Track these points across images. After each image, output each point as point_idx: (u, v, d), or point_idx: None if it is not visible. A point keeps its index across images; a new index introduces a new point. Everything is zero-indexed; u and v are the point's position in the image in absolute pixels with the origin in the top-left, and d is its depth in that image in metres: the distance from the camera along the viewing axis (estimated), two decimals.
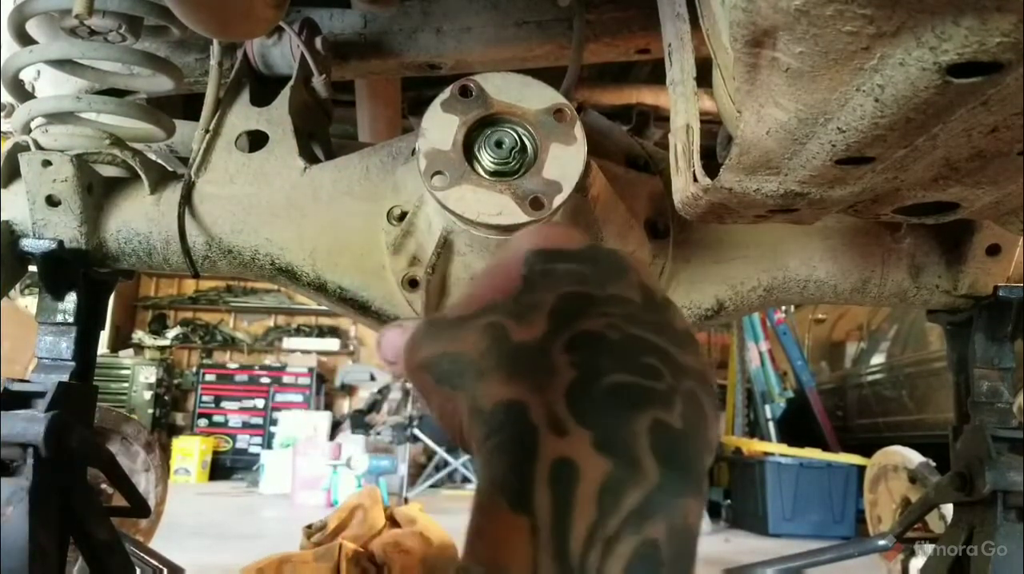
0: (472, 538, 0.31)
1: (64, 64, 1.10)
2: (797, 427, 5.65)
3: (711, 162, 0.75)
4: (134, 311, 9.87)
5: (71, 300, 1.09)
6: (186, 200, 1.10)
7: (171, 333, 9.75)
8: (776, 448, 5.09)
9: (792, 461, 4.84)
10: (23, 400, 1.01)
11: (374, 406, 8.72)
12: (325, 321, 9.94)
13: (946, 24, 0.44)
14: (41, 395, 1.01)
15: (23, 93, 1.14)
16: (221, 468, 8.58)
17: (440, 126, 0.90)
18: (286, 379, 9.25)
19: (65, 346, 1.08)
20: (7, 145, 1.10)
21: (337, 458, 5.89)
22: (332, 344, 9.79)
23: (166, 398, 9.12)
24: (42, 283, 1.08)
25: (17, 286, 1.14)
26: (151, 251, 1.12)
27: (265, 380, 9.25)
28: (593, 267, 0.36)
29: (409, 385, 8.00)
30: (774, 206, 0.74)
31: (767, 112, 0.59)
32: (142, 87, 1.20)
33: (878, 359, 5.29)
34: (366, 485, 4.77)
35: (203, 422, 9.13)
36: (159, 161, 1.25)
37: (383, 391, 8.86)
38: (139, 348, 9.51)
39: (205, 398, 9.22)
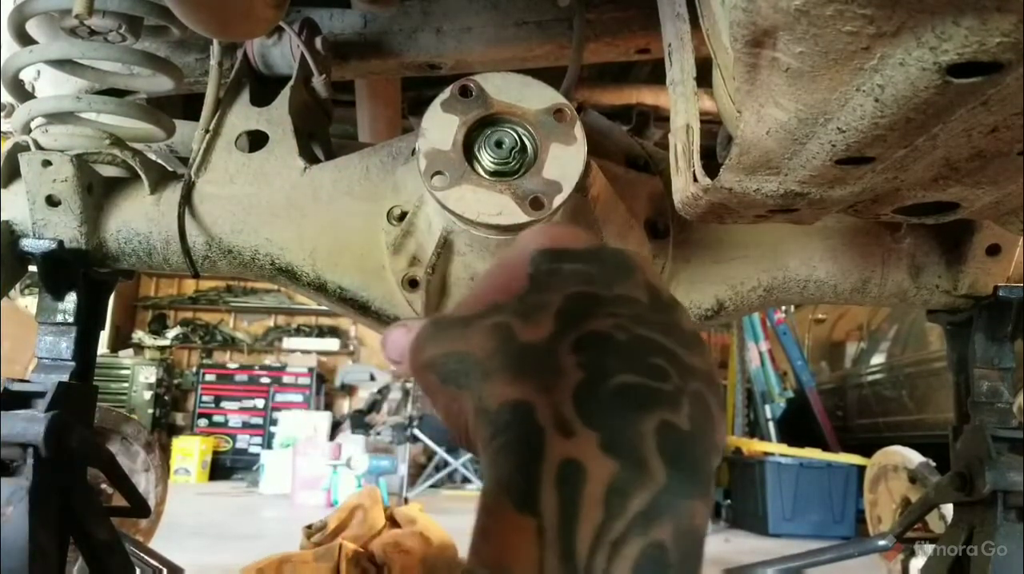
0: (478, 539, 0.31)
1: (64, 64, 1.10)
2: (797, 427, 5.65)
3: (711, 162, 0.75)
4: (134, 311, 9.87)
5: (71, 300, 1.09)
6: (186, 200, 1.10)
7: (171, 333, 9.75)
8: (776, 448, 5.09)
9: (792, 461, 4.84)
10: (23, 400, 1.01)
11: (374, 406, 8.72)
12: (325, 321, 9.94)
13: (946, 24, 0.44)
14: (41, 395, 1.01)
15: (23, 93, 1.14)
16: (221, 468, 8.58)
17: (440, 126, 0.90)
18: (286, 379, 9.25)
19: (65, 346, 1.08)
20: (7, 145, 1.10)
21: (337, 458, 5.89)
22: (332, 344, 9.79)
23: (166, 398, 9.12)
24: (42, 283, 1.08)
25: (17, 286, 1.14)
26: (151, 251, 1.12)
27: (265, 380, 9.25)
28: (600, 267, 0.36)
29: (409, 385, 8.01)
30: (774, 206, 0.74)
31: (767, 112, 0.59)
32: (142, 87, 1.20)
33: (878, 359, 5.29)
34: (366, 485, 4.77)
35: (203, 422, 9.13)
36: (159, 161, 1.25)
37: (383, 391, 8.86)
38: (139, 348, 9.51)
39: (205, 398, 9.21)
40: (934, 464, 2.21)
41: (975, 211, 0.75)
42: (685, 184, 0.77)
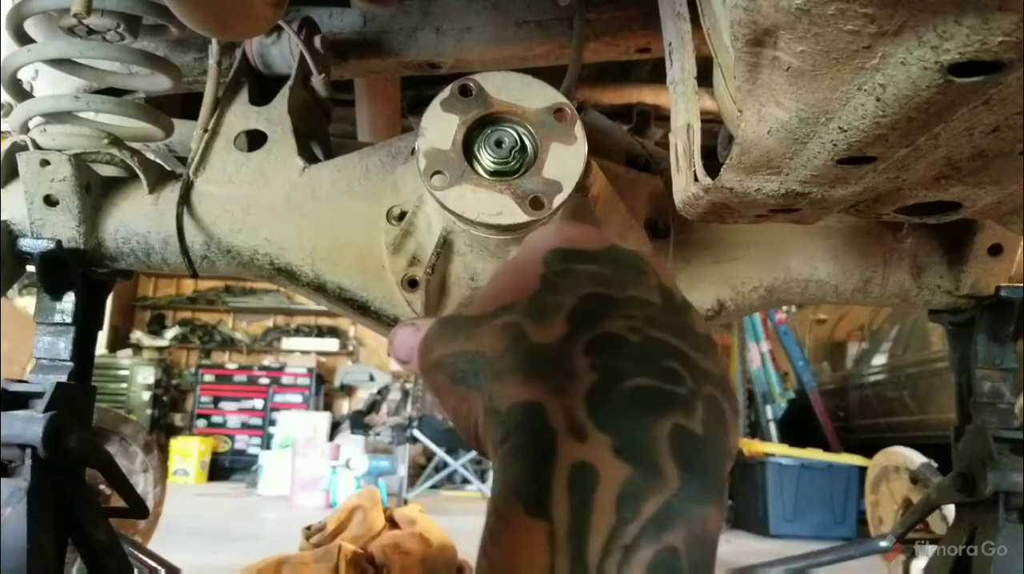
0: (487, 542, 0.30)
1: (62, 63, 1.10)
2: (798, 427, 5.65)
3: (712, 162, 0.74)
4: (132, 311, 9.87)
5: (69, 300, 1.09)
6: (184, 200, 1.10)
7: (169, 333, 9.75)
8: (777, 449, 5.09)
9: (793, 462, 4.84)
10: (21, 401, 1.01)
11: (373, 407, 8.72)
12: (324, 321, 9.94)
13: (948, 23, 0.44)
14: (39, 396, 1.01)
15: (21, 92, 1.14)
16: (220, 469, 8.58)
17: (440, 125, 0.89)
18: (285, 380, 9.25)
19: (63, 346, 1.08)
20: (5, 145, 1.10)
21: (336, 459, 5.89)
22: (331, 344, 9.79)
23: (164, 399, 9.12)
24: (40, 283, 1.08)
25: (15, 286, 1.14)
26: (149, 251, 1.12)
27: (264, 380, 9.25)
28: (613, 268, 0.35)
29: (409, 386, 8.01)
30: (775, 206, 0.74)
31: (768, 111, 0.59)
32: (140, 86, 1.20)
33: (880, 359, 5.29)
34: (365, 486, 4.77)
35: (202, 423, 9.13)
36: (157, 160, 1.25)
37: (382, 392, 8.86)
38: (137, 348, 9.51)
39: (204, 399, 9.21)
40: (936, 465, 2.21)
41: (977, 211, 0.75)
42: (686, 184, 0.77)
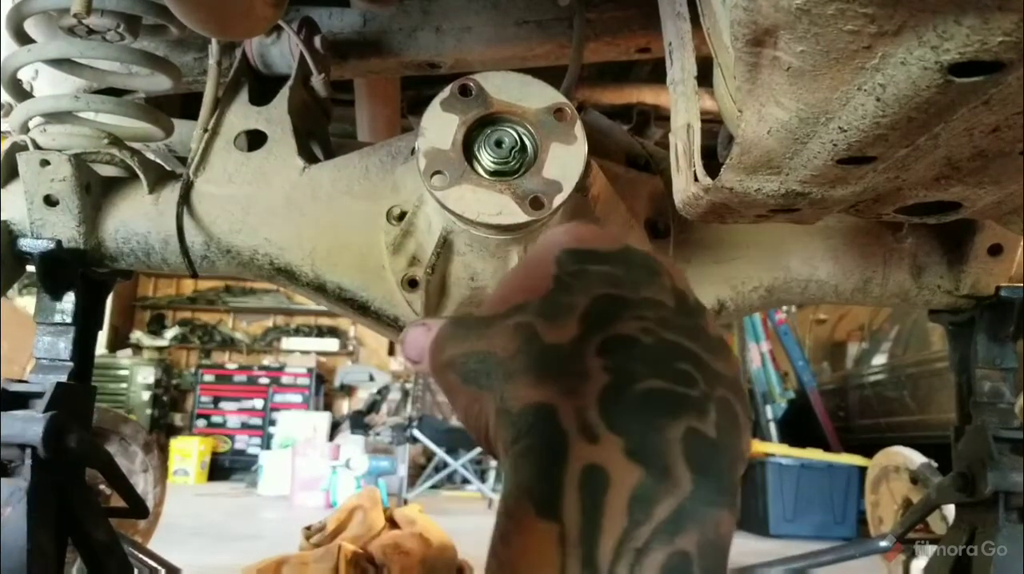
0: (497, 543, 0.30)
1: (62, 63, 1.10)
2: (798, 427, 5.65)
3: (712, 162, 0.74)
4: (132, 311, 9.87)
5: (69, 300, 1.08)
6: (184, 200, 1.10)
7: (169, 333, 9.75)
8: (777, 449, 5.09)
9: (793, 462, 4.84)
10: (21, 401, 1.01)
11: (373, 407, 8.72)
12: (324, 321, 9.94)
13: (948, 23, 0.44)
14: (39, 396, 1.01)
15: (21, 92, 1.14)
16: (220, 469, 8.57)
17: (440, 125, 0.89)
18: (285, 379, 9.25)
19: (63, 346, 1.08)
20: (5, 145, 1.10)
21: (336, 459, 5.89)
22: (331, 344, 9.79)
23: (164, 398, 9.12)
24: (40, 283, 1.08)
25: (15, 286, 1.13)
26: (149, 251, 1.12)
27: (264, 380, 9.25)
28: (626, 269, 0.35)
29: (409, 386, 8.01)
30: (775, 206, 0.74)
31: (768, 111, 0.59)
32: (140, 86, 1.20)
33: (880, 359, 5.28)
34: (365, 486, 4.77)
35: (201, 423, 9.12)
36: (157, 160, 1.25)
37: (382, 392, 8.86)
38: (137, 348, 9.51)
39: (203, 398, 9.21)
40: (936, 465, 2.21)
41: (977, 211, 0.75)
42: (686, 184, 0.77)
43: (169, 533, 2.28)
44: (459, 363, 0.36)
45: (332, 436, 7.68)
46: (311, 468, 6.03)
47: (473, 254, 0.99)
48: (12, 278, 1.09)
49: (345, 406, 9.54)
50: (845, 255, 1.14)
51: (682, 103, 0.78)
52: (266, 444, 8.37)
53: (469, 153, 0.90)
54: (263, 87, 1.21)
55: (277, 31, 1.20)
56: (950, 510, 1.33)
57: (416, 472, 7.05)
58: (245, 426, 9.09)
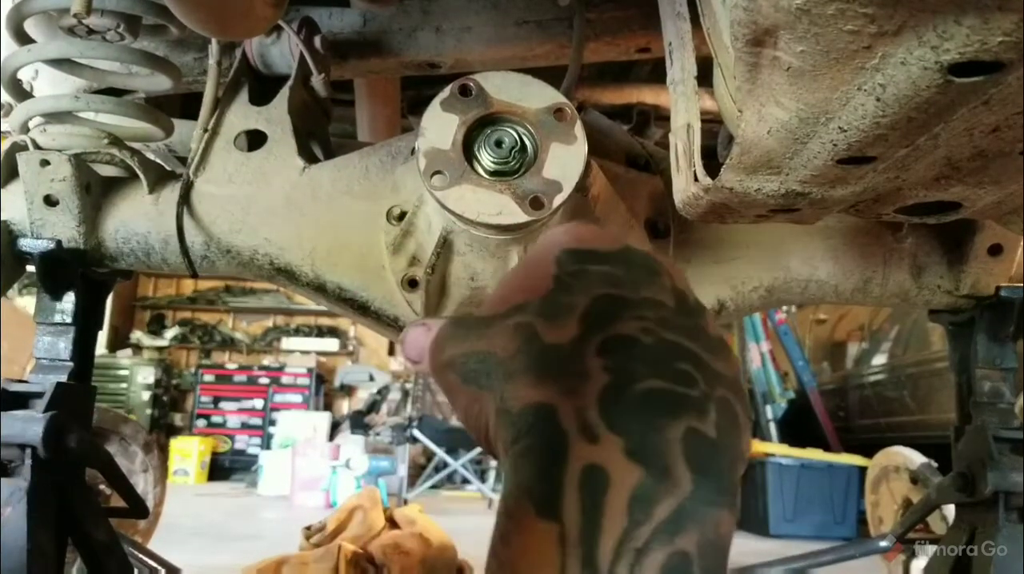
0: (497, 543, 0.30)
1: (62, 63, 1.10)
2: (798, 427, 5.65)
3: (712, 162, 0.74)
4: (132, 311, 9.87)
5: (69, 300, 1.08)
6: (184, 200, 1.10)
7: (169, 333, 9.75)
8: (777, 449, 5.09)
9: (793, 462, 4.84)
10: (21, 401, 1.01)
11: (373, 407, 8.72)
12: (324, 321, 9.94)
13: (948, 23, 0.44)
14: (39, 396, 1.01)
15: (21, 92, 1.14)
16: (220, 469, 8.57)
17: (440, 125, 0.89)
18: (285, 379, 9.25)
19: (63, 346, 1.08)
20: (5, 145, 1.10)
21: (336, 459, 5.89)
22: (331, 344, 9.79)
23: (164, 398, 9.12)
24: (40, 283, 1.08)
25: (15, 286, 1.13)
26: (149, 251, 1.12)
27: (264, 380, 9.25)
28: (626, 269, 0.35)
29: (409, 386, 8.01)
30: (775, 206, 0.74)
31: (768, 111, 0.59)
32: (140, 86, 1.20)
33: (880, 359, 5.29)
34: (365, 486, 4.77)
35: (201, 423, 9.12)
36: (157, 160, 1.25)
37: (382, 392, 8.86)
38: (137, 348, 9.51)
39: (203, 398, 9.21)
40: (936, 465, 2.21)
41: (977, 211, 0.75)
42: (686, 184, 0.77)
43: (169, 533, 2.29)
44: (459, 363, 0.36)
45: (332, 436, 7.68)
46: (311, 468, 6.03)
47: (473, 254, 0.99)
48: (12, 278, 1.09)
49: (345, 406, 9.54)
50: (845, 255, 1.14)
51: (682, 103, 0.78)
52: (266, 444, 8.37)
53: (469, 153, 0.90)
54: (263, 87, 1.21)
55: (277, 31, 1.20)
56: (950, 510, 1.33)
57: (416, 472, 7.05)
58: (245, 426, 9.09)
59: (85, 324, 1.10)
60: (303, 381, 9.21)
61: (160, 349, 9.63)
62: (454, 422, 6.66)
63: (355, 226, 1.09)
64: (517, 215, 0.88)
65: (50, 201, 1.06)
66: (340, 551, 2.04)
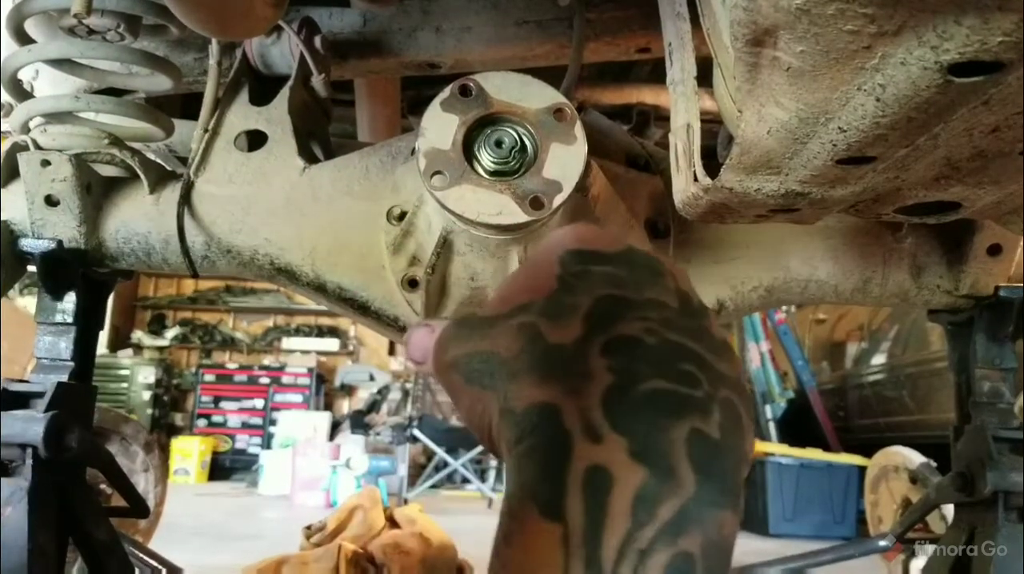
0: (500, 544, 0.30)
1: (62, 63, 1.10)
2: (798, 427, 5.65)
3: (712, 162, 0.74)
4: (133, 311, 9.87)
5: (70, 300, 1.09)
6: (185, 200, 1.10)
7: (170, 333, 9.75)
8: (777, 448, 5.09)
9: (793, 461, 4.84)
10: (22, 400, 1.01)
11: (374, 406, 8.72)
12: (324, 321, 9.94)
13: (948, 23, 0.44)
14: (40, 395, 1.01)
15: (22, 92, 1.14)
16: (220, 468, 8.58)
17: (440, 125, 0.89)
18: (285, 379, 9.25)
19: (64, 346, 1.08)
20: (6, 145, 1.10)
21: (336, 459, 5.89)
22: (331, 344, 9.79)
23: (165, 398, 9.12)
24: (41, 283, 1.08)
25: (16, 286, 1.14)
26: (150, 251, 1.12)
27: (264, 380, 9.25)
28: (630, 270, 0.35)
29: (409, 385, 8.01)
30: (775, 206, 0.74)
31: (768, 111, 0.59)
32: (141, 86, 1.20)
33: (879, 359, 5.29)
34: (365, 486, 4.77)
35: (202, 422, 9.13)
36: (158, 160, 1.25)
37: (383, 391, 8.86)
38: (138, 348, 9.52)
39: (204, 398, 9.22)
40: (935, 464, 2.21)
41: (976, 211, 0.75)
42: (686, 184, 0.77)
43: (170, 533, 2.29)
44: (463, 363, 0.36)
45: (332, 436, 7.68)
46: (311, 468, 6.04)
47: (473, 254, 0.99)
48: (13, 278, 1.09)
49: (345, 406, 9.54)
50: (845, 255, 1.15)
51: (682, 103, 0.78)
52: (266, 444, 8.37)
53: (469, 153, 0.90)
54: (263, 87, 1.21)
55: (277, 31, 1.20)
56: (950, 510, 1.33)
57: (416, 472, 7.05)
58: (246, 426, 9.10)
59: (86, 324, 1.10)
60: (303, 381, 9.21)
61: (161, 349, 9.64)
62: (454, 421, 6.66)
63: (355, 226, 1.09)
64: (517, 215, 0.88)
65: (51, 201, 1.06)
66: (340, 551, 2.04)
